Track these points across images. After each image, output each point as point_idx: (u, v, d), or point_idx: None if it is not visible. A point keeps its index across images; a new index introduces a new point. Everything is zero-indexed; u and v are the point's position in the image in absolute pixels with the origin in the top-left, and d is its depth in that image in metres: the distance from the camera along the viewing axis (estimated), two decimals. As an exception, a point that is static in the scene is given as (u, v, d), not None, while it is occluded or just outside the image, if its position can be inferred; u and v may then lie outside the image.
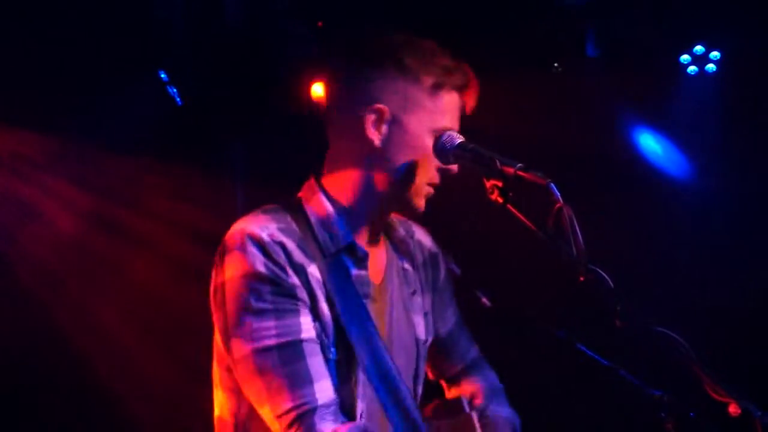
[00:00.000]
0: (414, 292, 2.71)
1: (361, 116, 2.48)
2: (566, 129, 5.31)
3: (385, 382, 2.42)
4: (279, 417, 2.34)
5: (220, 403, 2.56)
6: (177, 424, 5.28)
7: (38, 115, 5.08)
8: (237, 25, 4.97)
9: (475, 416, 2.42)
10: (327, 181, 2.58)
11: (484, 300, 3.07)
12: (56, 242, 5.34)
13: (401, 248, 2.71)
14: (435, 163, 2.49)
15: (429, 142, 2.47)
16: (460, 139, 2.42)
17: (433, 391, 2.90)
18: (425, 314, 2.74)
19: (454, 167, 2.51)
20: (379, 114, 2.47)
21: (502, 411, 2.80)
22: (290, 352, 2.34)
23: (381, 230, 2.64)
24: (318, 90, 5.37)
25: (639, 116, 5.71)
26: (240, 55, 5.22)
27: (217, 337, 2.50)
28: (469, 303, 3.00)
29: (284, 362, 2.34)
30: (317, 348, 2.38)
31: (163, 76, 5.28)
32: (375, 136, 2.48)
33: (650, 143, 5.75)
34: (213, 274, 2.47)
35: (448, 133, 2.44)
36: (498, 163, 2.27)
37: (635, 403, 2.58)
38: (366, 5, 5.15)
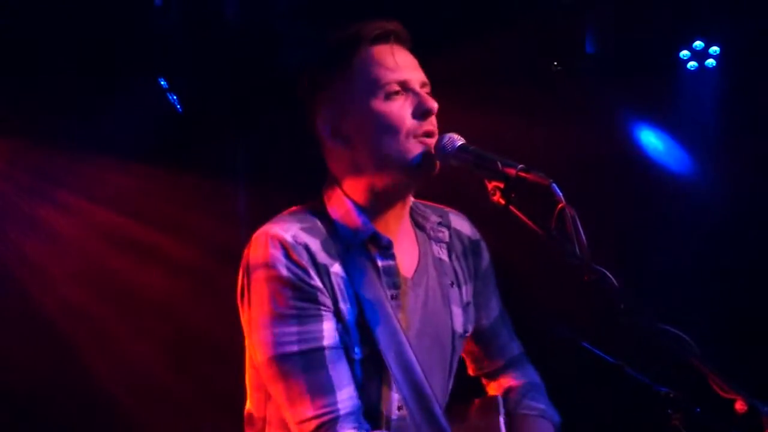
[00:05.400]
0: (452, 283, 2.67)
1: (314, 121, 2.55)
2: (566, 127, 5.30)
3: (408, 379, 2.40)
4: (300, 423, 2.34)
5: (250, 399, 2.57)
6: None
7: (37, 123, 5.08)
8: (236, 30, 4.96)
9: (502, 420, 2.40)
10: (341, 182, 2.56)
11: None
12: (58, 250, 5.34)
13: (435, 238, 2.67)
14: (402, 113, 2.43)
15: (375, 102, 2.43)
16: (460, 141, 2.40)
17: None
18: (466, 305, 2.70)
19: (432, 104, 2.45)
20: (326, 114, 2.51)
21: (537, 405, 2.77)
22: (312, 359, 2.33)
23: (405, 216, 2.60)
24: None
25: (639, 113, 5.70)
26: (239, 60, 5.21)
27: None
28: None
29: (306, 369, 2.33)
30: (340, 354, 2.37)
31: (162, 83, 5.27)
32: (328, 134, 2.51)
33: (651, 140, 5.75)
34: (239, 274, 2.47)
35: (449, 135, 2.42)
36: (499, 165, 2.26)
37: (642, 400, 2.59)
38: (364, 6, 5.13)
